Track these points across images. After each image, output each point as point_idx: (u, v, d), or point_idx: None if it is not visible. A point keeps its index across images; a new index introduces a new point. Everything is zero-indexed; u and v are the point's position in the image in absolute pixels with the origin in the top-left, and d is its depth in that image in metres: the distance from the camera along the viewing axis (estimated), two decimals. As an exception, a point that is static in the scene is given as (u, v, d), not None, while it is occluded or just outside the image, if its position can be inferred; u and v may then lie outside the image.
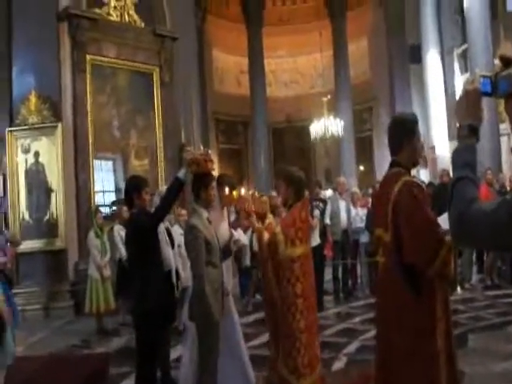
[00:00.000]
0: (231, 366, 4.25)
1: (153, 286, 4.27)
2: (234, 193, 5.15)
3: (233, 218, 7.38)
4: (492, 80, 1.56)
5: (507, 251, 2.36)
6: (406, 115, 3.33)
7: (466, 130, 1.62)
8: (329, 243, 9.47)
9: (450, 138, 16.01)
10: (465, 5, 13.86)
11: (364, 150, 19.88)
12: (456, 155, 1.63)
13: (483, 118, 1.67)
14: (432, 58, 16.30)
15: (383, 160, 18.53)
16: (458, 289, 8.67)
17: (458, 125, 1.67)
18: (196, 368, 4.09)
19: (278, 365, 4.00)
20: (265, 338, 6.97)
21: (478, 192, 1.55)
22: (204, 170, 4.12)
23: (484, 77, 1.59)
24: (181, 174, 4.20)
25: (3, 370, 3.08)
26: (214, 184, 4.20)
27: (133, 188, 4.45)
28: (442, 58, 16.61)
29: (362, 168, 20.02)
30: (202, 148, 4.36)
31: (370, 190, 11.11)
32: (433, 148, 15.99)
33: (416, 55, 17.11)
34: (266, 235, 4.08)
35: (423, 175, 14.73)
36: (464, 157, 1.60)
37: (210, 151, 4.35)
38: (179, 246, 6.09)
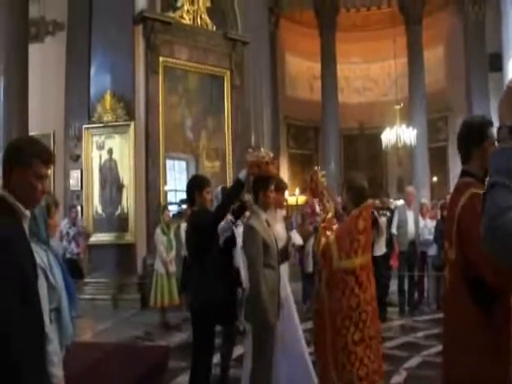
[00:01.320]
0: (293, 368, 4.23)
1: (210, 283, 4.31)
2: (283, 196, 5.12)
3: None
4: None
5: None
6: (474, 118, 3.00)
7: (507, 132, 1.47)
8: (395, 253, 9.25)
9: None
10: (550, 11, 13.25)
11: (438, 160, 19.30)
12: (492, 159, 1.49)
13: None
14: (514, 67, 15.66)
15: (458, 171, 17.87)
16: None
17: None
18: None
19: (331, 375, 3.88)
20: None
21: None
22: (265, 172, 4.13)
23: None
24: (242, 175, 4.24)
25: (63, 349, 3.19)
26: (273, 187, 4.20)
27: (194, 186, 4.53)
28: (525, 67, 15.92)
29: (435, 179, 19.45)
30: (263, 150, 4.36)
31: (441, 201, 10.76)
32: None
33: (496, 64, 16.48)
34: (323, 242, 3.99)
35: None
36: (501, 161, 1.46)
37: (272, 154, 4.34)
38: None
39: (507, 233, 1.32)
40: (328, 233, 4.01)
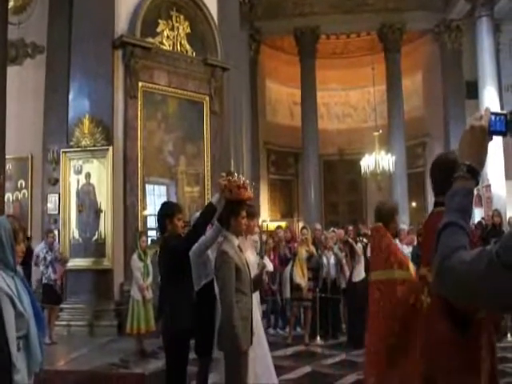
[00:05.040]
0: None
1: (182, 309, 4.27)
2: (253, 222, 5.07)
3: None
4: (508, 117, 1.49)
5: (480, 308, 2.17)
6: (449, 155, 3.10)
7: (465, 171, 1.51)
8: None
9: (507, 176, 15.59)
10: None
11: (417, 185, 19.50)
12: (450, 197, 1.52)
13: (485, 160, 1.55)
14: (489, 95, 16.02)
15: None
16: (508, 335, 8.29)
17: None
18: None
19: None
20: (301, 371, 6.88)
21: (467, 240, 1.42)
22: (237, 196, 4.13)
23: (496, 114, 1.51)
24: (214, 199, 4.27)
25: (31, 377, 3.15)
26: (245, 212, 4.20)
27: (165, 214, 4.50)
28: (500, 95, 16.30)
29: (414, 204, 19.63)
30: (236, 175, 4.37)
31: (419, 227, 10.82)
32: (488, 186, 15.58)
33: (472, 91, 16.87)
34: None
35: (478, 214, 14.34)
36: (457, 200, 1.49)
37: (243, 178, 4.36)
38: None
39: (456, 273, 1.34)
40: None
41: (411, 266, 3.33)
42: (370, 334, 3.64)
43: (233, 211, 4.11)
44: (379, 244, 3.72)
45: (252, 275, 4.18)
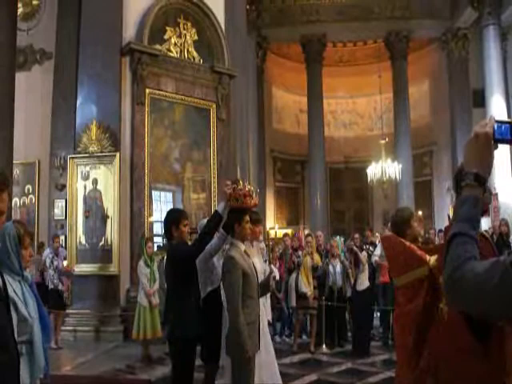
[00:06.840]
0: None
1: (188, 316, 4.27)
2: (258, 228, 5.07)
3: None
4: None
5: (493, 319, 2.14)
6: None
7: (472, 179, 1.48)
8: (385, 267, 9.05)
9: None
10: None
11: (423, 194, 19.46)
12: (458, 206, 1.50)
13: (491, 167, 1.52)
14: (496, 103, 16.00)
15: (443, 205, 18.29)
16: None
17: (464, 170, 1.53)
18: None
19: None
20: (306, 379, 6.85)
21: (477, 250, 1.41)
22: (244, 204, 4.15)
23: (501, 122, 1.50)
24: (220, 207, 4.28)
25: (35, 382, 3.14)
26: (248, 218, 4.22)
27: (171, 221, 4.50)
28: (507, 103, 16.27)
29: (420, 213, 19.54)
30: (241, 183, 4.39)
31: (425, 236, 10.78)
32: (495, 195, 15.51)
33: (479, 99, 16.85)
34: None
35: (485, 223, 14.27)
36: (465, 209, 1.47)
37: (249, 185, 4.38)
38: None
39: (469, 284, 1.33)
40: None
41: (433, 258, 3.27)
42: (395, 340, 3.63)
43: (236, 217, 4.15)
44: (393, 249, 3.70)
45: (259, 280, 4.19)
